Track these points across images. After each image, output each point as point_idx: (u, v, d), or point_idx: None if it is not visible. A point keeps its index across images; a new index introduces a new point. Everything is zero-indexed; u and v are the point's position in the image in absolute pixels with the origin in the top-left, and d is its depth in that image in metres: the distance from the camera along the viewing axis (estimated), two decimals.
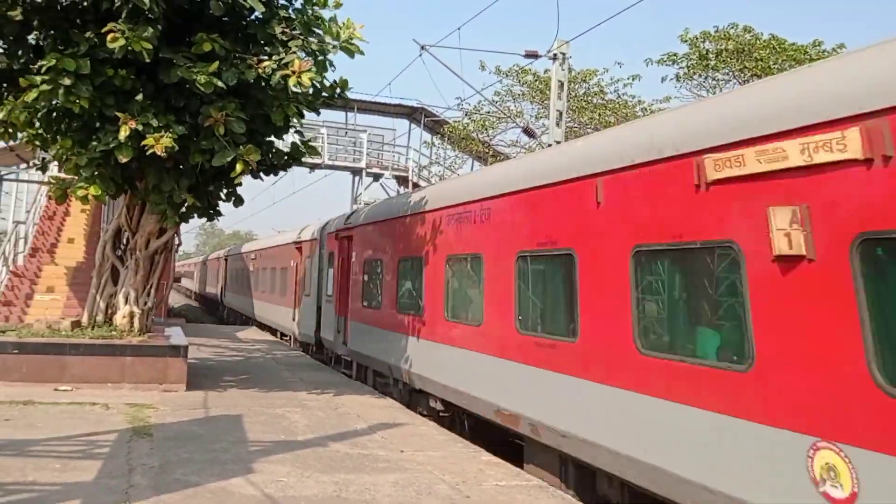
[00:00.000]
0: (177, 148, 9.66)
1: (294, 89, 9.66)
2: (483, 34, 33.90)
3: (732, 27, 23.81)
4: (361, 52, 10.13)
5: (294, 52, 9.69)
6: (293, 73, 9.32)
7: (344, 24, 10.12)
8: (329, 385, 13.16)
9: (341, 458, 7.82)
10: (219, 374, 13.75)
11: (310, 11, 10.35)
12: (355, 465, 7.52)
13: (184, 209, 11.45)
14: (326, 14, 10.48)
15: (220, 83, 9.18)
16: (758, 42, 23.39)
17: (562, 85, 17.25)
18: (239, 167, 9.52)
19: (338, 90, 10.61)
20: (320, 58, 10.17)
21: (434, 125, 33.24)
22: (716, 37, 23.92)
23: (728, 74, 23.93)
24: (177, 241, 18.96)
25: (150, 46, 9.13)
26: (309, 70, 9.47)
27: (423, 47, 18.20)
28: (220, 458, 7.50)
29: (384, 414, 10.67)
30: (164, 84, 9.91)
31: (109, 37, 8.96)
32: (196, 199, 10.96)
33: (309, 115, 11.78)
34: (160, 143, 9.35)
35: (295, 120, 10.84)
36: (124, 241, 12.53)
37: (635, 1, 13.48)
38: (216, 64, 9.21)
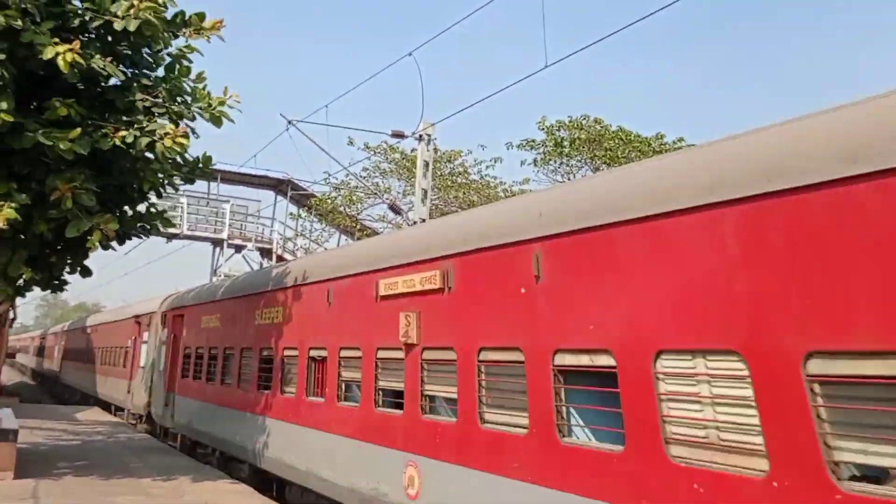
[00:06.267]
0: (20, 219, 9.01)
1: (166, 154, 9.21)
2: (351, 111, 34.56)
3: (584, 118, 25.67)
4: (231, 121, 9.70)
5: (156, 121, 9.35)
6: (167, 135, 8.98)
7: (218, 96, 9.80)
8: (178, 470, 12.36)
9: None
10: (53, 459, 12.61)
11: (172, 80, 10.01)
12: None
13: (21, 282, 10.59)
14: (189, 87, 10.19)
15: (81, 150, 8.72)
16: (607, 133, 25.30)
17: (427, 165, 17.79)
18: (96, 237, 9.03)
19: (199, 166, 10.26)
20: (184, 125, 9.85)
21: (301, 198, 32.98)
22: (570, 126, 25.65)
23: (581, 161, 25.60)
24: (11, 315, 17.44)
25: (10, 119, 8.49)
26: (185, 135, 9.23)
27: (290, 122, 18.23)
28: None
29: (236, 500, 10.15)
30: (10, 150, 9.25)
31: None
32: (35, 272, 10.17)
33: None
34: (1, 215, 8.63)
35: (152, 194, 10.43)
36: None
37: (497, 90, 14.30)
38: (78, 130, 8.70)
